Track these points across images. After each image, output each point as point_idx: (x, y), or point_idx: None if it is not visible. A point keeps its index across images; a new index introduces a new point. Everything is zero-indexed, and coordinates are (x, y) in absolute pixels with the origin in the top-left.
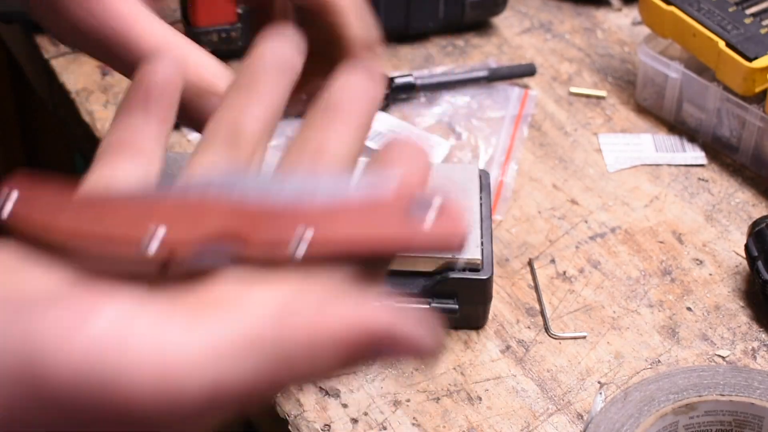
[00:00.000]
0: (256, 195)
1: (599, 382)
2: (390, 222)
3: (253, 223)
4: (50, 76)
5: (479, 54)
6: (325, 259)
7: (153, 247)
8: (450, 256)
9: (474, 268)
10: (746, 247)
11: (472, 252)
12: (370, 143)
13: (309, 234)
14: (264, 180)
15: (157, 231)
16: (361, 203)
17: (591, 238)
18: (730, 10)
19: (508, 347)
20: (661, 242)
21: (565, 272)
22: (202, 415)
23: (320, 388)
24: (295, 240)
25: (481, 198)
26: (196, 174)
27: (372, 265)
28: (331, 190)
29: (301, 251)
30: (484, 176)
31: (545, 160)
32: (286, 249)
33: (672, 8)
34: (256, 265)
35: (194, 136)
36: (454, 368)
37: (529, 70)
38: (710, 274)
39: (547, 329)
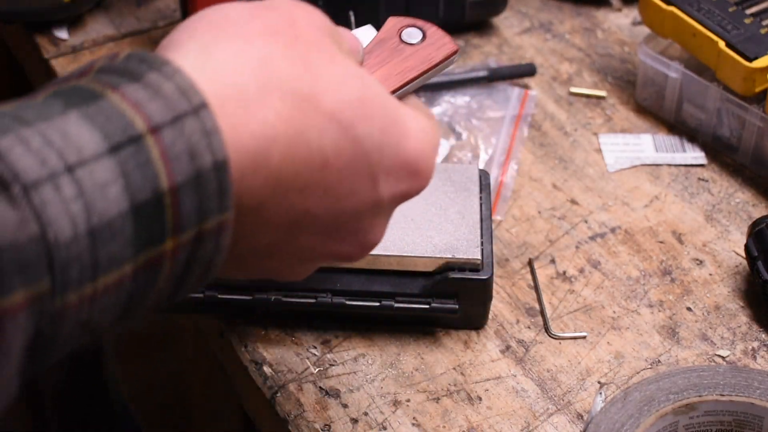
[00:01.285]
0: None
1: (599, 382)
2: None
3: None
4: (50, 76)
5: (479, 54)
6: None
7: None
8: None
9: (474, 268)
10: (746, 247)
11: (472, 252)
12: None
13: None
14: None
15: None
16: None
17: (591, 238)
18: (730, 10)
19: (508, 347)
20: (661, 242)
21: (565, 272)
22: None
23: (320, 388)
24: None
25: (481, 198)
26: None
27: None
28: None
29: None
30: (484, 176)
31: (545, 160)
32: None
33: (672, 8)
34: None
35: None
36: (454, 368)
37: (529, 70)
38: (710, 274)
39: (547, 329)
